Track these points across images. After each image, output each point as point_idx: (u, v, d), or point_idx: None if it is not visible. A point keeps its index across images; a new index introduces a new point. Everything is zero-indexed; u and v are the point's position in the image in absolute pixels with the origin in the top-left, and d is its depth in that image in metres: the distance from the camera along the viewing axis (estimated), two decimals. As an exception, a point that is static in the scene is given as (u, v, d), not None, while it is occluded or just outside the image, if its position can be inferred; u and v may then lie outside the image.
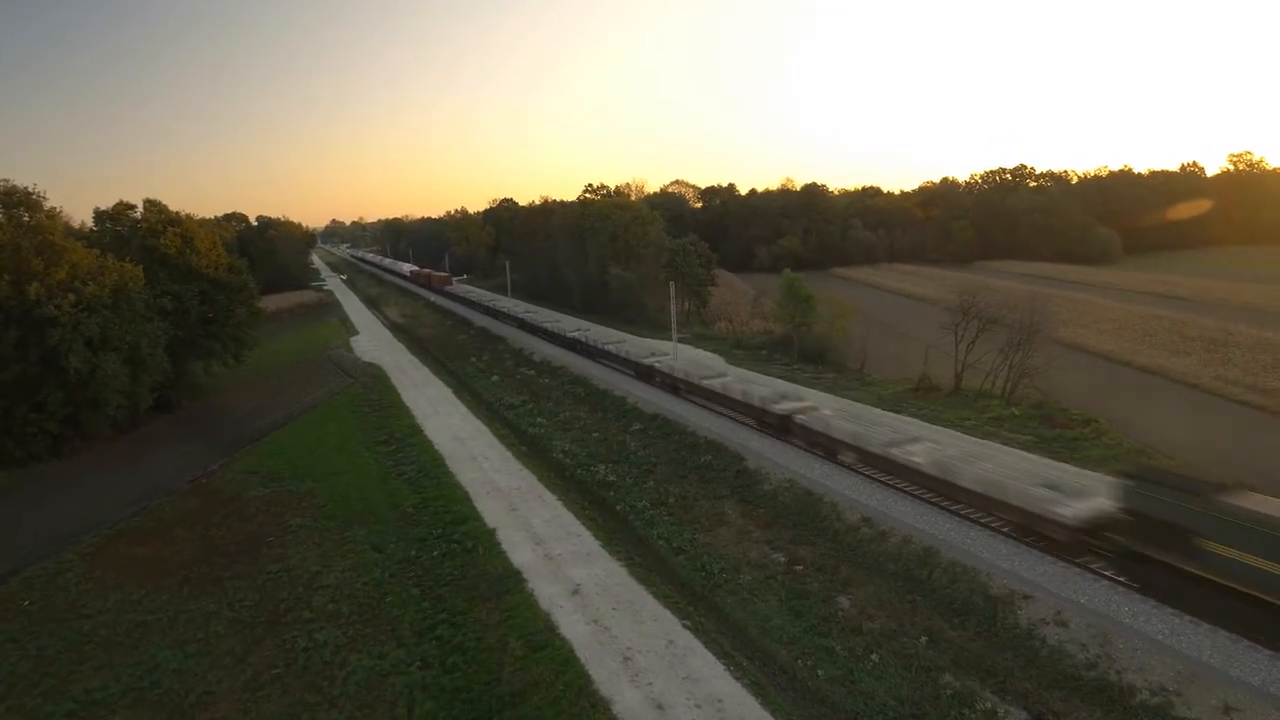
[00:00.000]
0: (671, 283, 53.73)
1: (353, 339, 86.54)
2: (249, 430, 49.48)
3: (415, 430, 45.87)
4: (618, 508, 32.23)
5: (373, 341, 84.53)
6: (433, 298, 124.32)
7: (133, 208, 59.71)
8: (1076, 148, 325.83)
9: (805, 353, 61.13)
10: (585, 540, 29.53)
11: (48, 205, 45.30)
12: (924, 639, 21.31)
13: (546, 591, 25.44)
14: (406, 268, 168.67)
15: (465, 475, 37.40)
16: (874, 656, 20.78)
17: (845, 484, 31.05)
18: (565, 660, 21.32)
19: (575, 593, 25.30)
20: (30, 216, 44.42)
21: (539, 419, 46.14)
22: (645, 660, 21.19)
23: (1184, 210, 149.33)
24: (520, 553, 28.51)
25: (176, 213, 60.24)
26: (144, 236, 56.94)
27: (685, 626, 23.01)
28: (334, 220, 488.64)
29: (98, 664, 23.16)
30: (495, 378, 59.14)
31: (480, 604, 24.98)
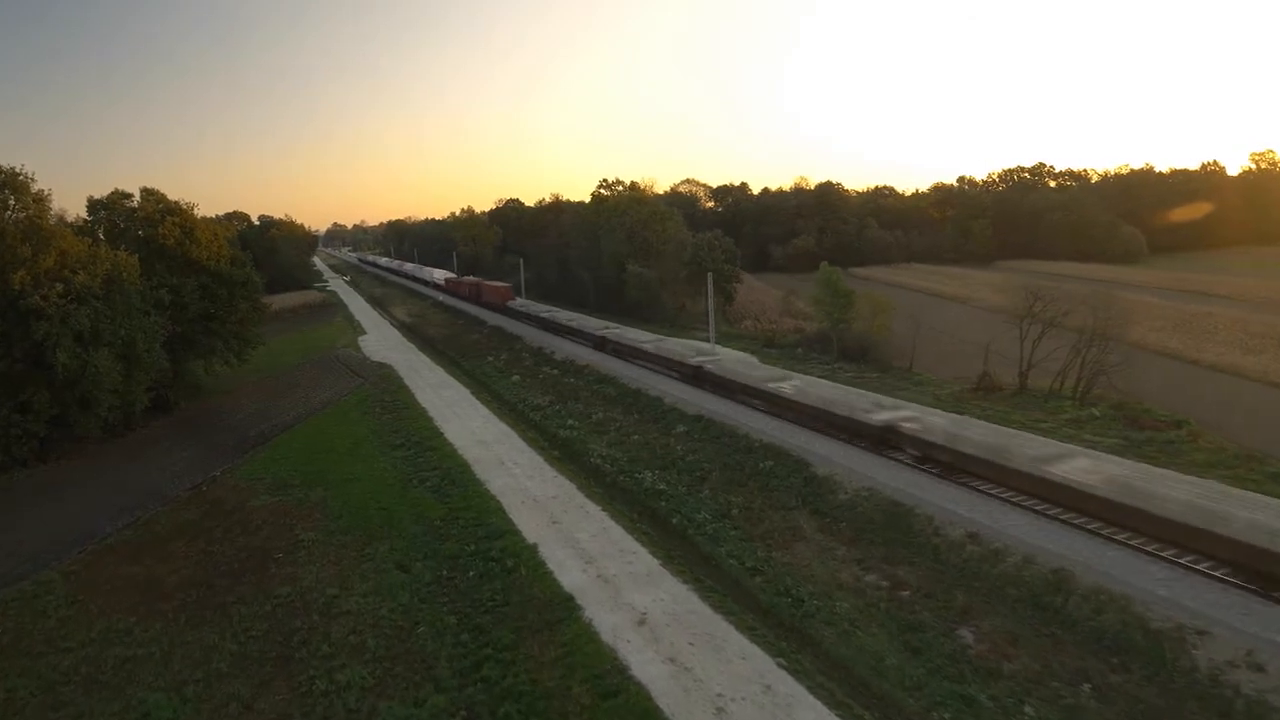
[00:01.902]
0: (710, 274, 49.83)
1: (360, 339, 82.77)
2: (253, 433, 45.63)
3: (434, 433, 42.03)
4: (674, 520, 28.36)
5: (381, 341, 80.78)
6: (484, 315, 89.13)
7: (129, 196, 55.98)
8: (1089, 146, 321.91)
9: (845, 351, 57.36)
10: (642, 558, 25.69)
11: (35, 188, 41.49)
12: (1086, 686, 17.44)
13: (608, 621, 21.59)
14: (438, 274, 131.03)
15: (495, 483, 33.58)
16: (1028, 709, 16.92)
17: (938, 494, 27.19)
18: (645, 712, 17.47)
19: (642, 623, 21.46)
20: (16, 199, 40.63)
21: (570, 421, 42.29)
22: (742, 712, 17.35)
23: (1204, 210, 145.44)
24: (570, 573, 24.66)
25: (175, 202, 56.57)
26: (140, 225, 53.25)
27: (781, 666, 19.17)
28: (335, 224, 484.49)
29: (76, 711, 19.30)
30: (516, 377, 55.33)
31: (530, 637, 21.11)
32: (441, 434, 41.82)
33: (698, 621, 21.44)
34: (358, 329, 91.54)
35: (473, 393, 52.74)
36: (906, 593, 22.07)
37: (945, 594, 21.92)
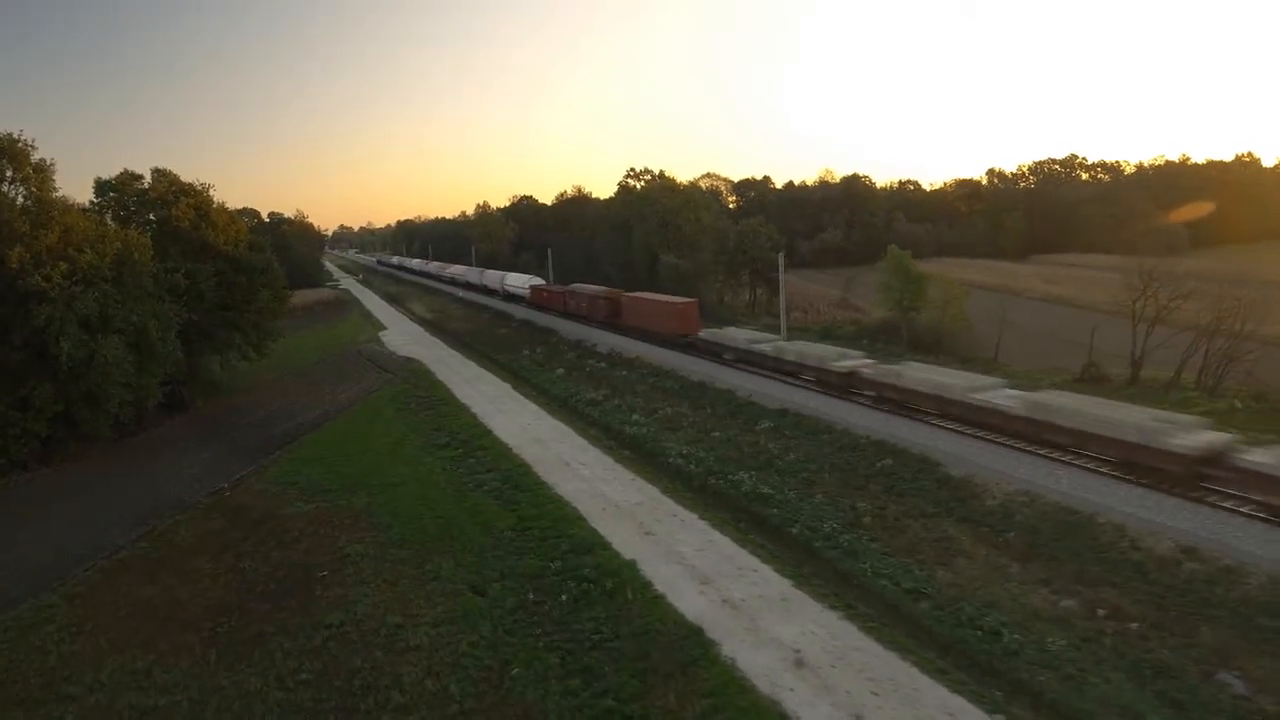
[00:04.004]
0: (780, 254, 45.28)
1: (381, 334, 78.48)
2: (278, 432, 41.20)
3: (482, 431, 37.56)
4: (793, 530, 23.76)
5: (404, 336, 76.39)
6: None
7: (139, 177, 51.45)
8: (1098, 139, 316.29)
9: (916, 342, 52.77)
10: (767, 577, 21.15)
11: (36, 157, 37.15)
12: None
13: (756, 662, 17.03)
14: (513, 281, 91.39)
15: (565, 486, 29.06)
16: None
17: (1117, 497, 22.65)
18: (854, 798, 12.91)
19: (800, 664, 16.89)
20: (15, 169, 36.29)
21: (635, 416, 37.73)
22: (985, 797, 12.77)
23: (1207, 209, 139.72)
24: (686, 597, 20.11)
25: (190, 184, 52.17)
26: (152, 208, 48.90)
27: (1006, 727, 14.61)
28: (342, 225, 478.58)
29: (83, 786, 14.83)
30: (560, 371, 50.82)
31: (661, 683, 16.53)
32: (490, 431, 37.34)
33: (870, 662, 16.87)
34: (377, 325, 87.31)
35: (514, 387, 48.30)
36: (1135, 625, 17.43)
37: (1180, 626, 17.30)
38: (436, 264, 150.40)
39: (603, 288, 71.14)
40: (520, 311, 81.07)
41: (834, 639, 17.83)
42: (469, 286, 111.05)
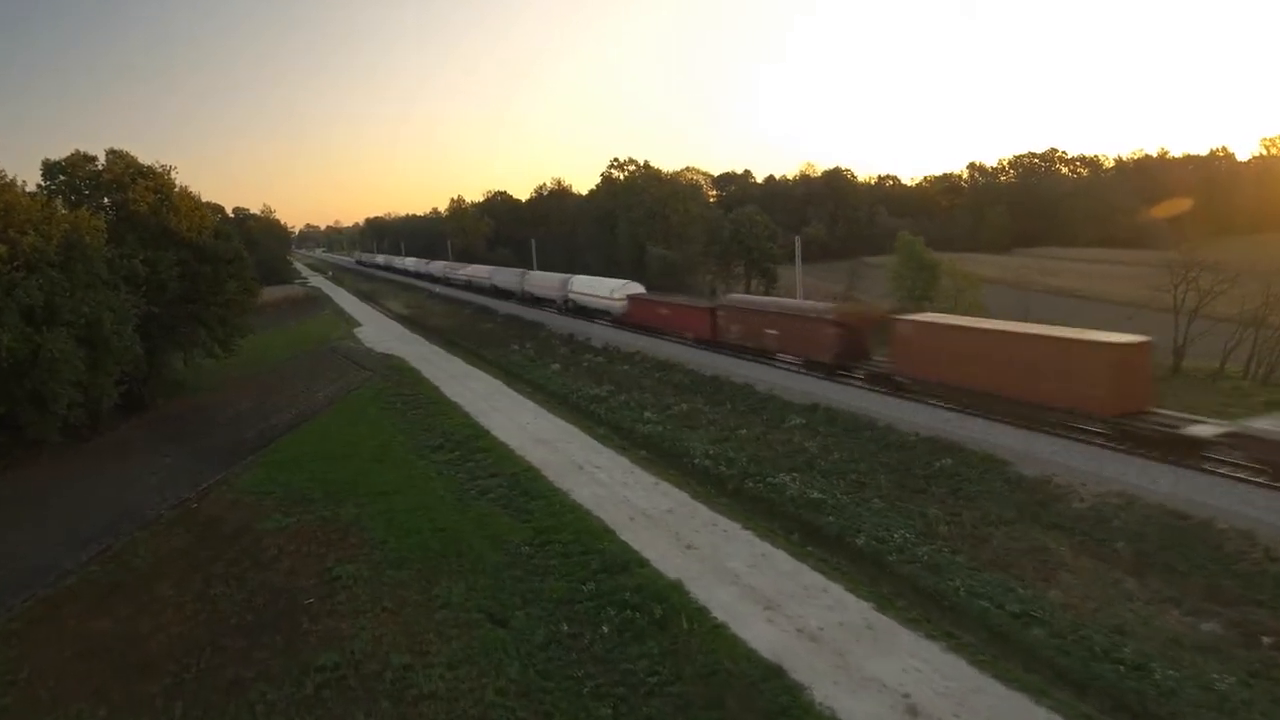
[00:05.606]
0: (797, 237, 42.30)
1: (356, 330, 74.44)
2: (250, 435, 37.40)
3: (479, 431, 34.04)
4: (858, 541, 20.62)
5: (381, 333, 72.33)
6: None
7: (92, 159, 47.12)
8: (1073, 131, 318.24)
9: (930, 333, 50.05)
10: (842, 599, 17.99)
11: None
12: None
13: (859, 712, 13.85)
14: (587, 288, 62.67)
15: (582, 492, 25.70)
16: None
17: (1236, 498, 19.85)
18: None
19: (914, 712, 13.76)
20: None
21: (646, 414, 34.44)
22: None
23: (1185, 205, 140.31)
24: (753, 626, 16.88)
25: (149, 166, 47.94)
26: (107, 191, 44.67)
27: (1196, 795, 11.58)
28: (308, 224, 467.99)
29: None
30: (555, 366, 47.36)
31: (747, 741, 13.33)
32: (488, 432, 33.84)
33: (998, 707, 13.78)
34: (351, 321, 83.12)
35: (506, 384, 44.77)
36: (1309, 655, 14.56)
37: (1360, 655, 14.46)
38: (442, 264, 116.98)
39: (814, 303, 42.20)
40: (505, 307, 77.10)
41: (945, 679, 14.72)
42: (497, 293, 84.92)
